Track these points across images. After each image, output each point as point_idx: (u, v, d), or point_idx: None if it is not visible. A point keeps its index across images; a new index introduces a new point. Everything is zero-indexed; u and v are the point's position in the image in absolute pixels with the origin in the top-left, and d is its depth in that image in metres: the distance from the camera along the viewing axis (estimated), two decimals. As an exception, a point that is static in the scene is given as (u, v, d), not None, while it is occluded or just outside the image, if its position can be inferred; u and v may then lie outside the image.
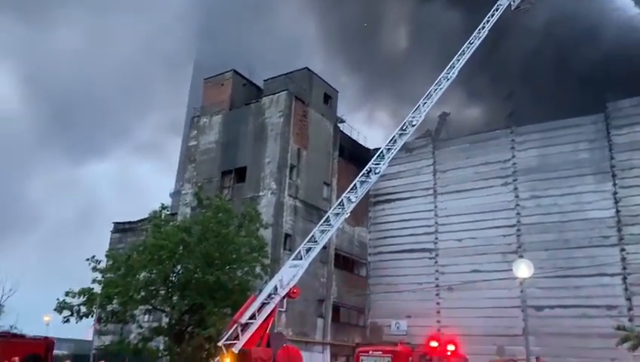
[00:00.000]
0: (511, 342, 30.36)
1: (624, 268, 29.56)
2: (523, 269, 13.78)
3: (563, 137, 33.79)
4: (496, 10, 25.84)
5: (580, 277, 30.01)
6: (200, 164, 36.24)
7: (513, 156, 35.16)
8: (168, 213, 30.64)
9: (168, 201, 40.54)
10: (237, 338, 19.11)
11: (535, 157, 34.34)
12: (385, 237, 39.06)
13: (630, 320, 27.10)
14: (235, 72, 37.88)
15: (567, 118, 33.78)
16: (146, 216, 31.49)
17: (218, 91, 37.52)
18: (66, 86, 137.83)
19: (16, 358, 23.18)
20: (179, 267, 26.53)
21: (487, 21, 25.58)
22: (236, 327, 19.34)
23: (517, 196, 34.26)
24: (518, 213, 33.90)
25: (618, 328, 19.00)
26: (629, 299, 29.05)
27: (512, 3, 26.98)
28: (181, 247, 25.96)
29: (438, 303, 34.95)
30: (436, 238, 36.61)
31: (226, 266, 26.42)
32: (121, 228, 44.36)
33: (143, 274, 26.64)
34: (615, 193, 31.04)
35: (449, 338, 16.88)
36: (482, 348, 28.98)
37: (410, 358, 16.20)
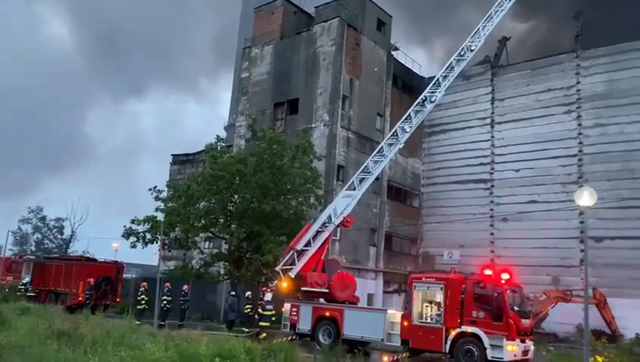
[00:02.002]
0: (566, 272, 30.07)
1: (693, 199, 28.10)
2: (586, 197, 13.30)
3: (634, 60, 31.38)
4: None
5: (645, 208, 28.83)
6: (253, 96, 36.39)
7: (578, 82, 33.17)
8: (224, 145, 31.39)
9: (223, 134, 41.32)
10: (293, 264, 19.94)
11: (602, 83, 32.25)
12: (439, 168, 38.58)
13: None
14: (285, -1, 37.00)
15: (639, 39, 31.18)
16: (202, 148, 32.48)
17: (268, 21, 36.91)
18: (113, 19, 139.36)
19: (91, 279, 25.35)
20: (236, 197, 27.55)
21: None
22: (292, 254, 20.14)
23: (580, 124, 32.64)
24: (580, 143, 32.42)
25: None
26: (694, 230, 27.81)
27: None
28: (237, 178, 26.81)
29: (492, 233, 34.73)
30: (492, 169, 35.82)
31: (281, 196, 27.20)
32: (180, 160, 45.90)
33: (202, 204, 27.90)
34: (689, 120, 29.00)
35: (503, 268, 16.83)
36: (537, 278, 28.88)
37: (464, 286, 16.32)
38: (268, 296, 20.21)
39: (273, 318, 20.03)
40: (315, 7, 36.26)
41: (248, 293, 22.83)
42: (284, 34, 36.00)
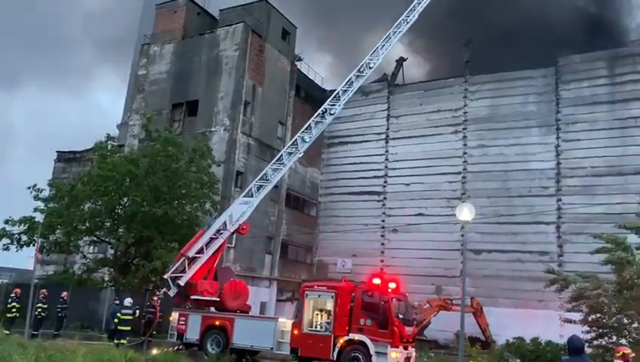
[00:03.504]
0: (449, 282, 31.99)
1: (559, 218, 31.26)
2: (465, 212, 14.35)
3: (514, 89, 34.49)
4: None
5: (518, 224, 31.57)
6: (149, 94, 34.94)
7: (465, 105, 35.73)
8: (115, 144, 29.79)
9: (116, 132, 39.13)
10: (184, 271, 19.30)
11: (486, 107, 35.05)
12: (336, 179, 39.55)
13: (559, 265, 28.97)
14: (189, -2, 36.09)
15: (521, 70, 34.37)
16: (92, 146, 30.53)
17: (171, 19, 35.76)
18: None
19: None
20: (125, 199, 26.15)
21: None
22: (183, 261, 19.49)
23: (465, 144, 35.13)
24: (464, 161, 34.89)
25: (547, 271, 20.25)
26: (560, 246, 30.93)
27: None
28: (128, 179, 25.54)
29: (382, 244, 36.16)
30: (385, 182, 37.39)
31: (174, 200, 26.29)
32: (65, 158, 42.81)
33: (87, 205, 26.18)
34: (557, 146, 32.30)
35: (391, 277, 17.57)
36: (422, 287, 30.50)
37: (353, 294, 16.78)
38: (127, 301, 19.27)
39: (130, 325, 19.06)
40: (220, 11, 35.79)
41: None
42: (187, 34, 35.05)
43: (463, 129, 35.43)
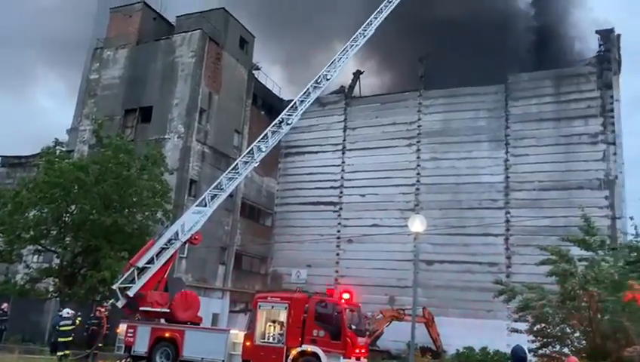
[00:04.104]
0: (402, 292, 32.39)
1: (507, 230, 32.27)
2: (417, 224, 14.63)
3: (466, 104, 35.53)
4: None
5: (469, 236, 32.37)
6: (101, 99, 34.00)
7: (419, 119, 36.50)
8: (64, 149, 28.80)
9: (65, 138, 37.85)
10: (133, 282, 18.76)
11: (439, 121, 35.91)
12: (293, 189, 39.50)
13: (507, 276, 29.87)
14: (145, 3, 35.44)
15: (473, 86, 35.45)
16: (39, 151, 29.40)
17: (126, 23, 35.00)
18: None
19: None
20: (73, 207, 25.25)
21: (407, -18, 25.80)
22: (132, 271, 18.95)
23: (419, 157, 35.84)
24: (418, 173, 35.56)
25: (496, 282, 20.83)
26: (508, 258, 31.89)
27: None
28: (76, 187, 24.69)
29: (338, 254, 36.29)
30: (341, 193, 37.63)
31: (125, 209, 25.58)
32: (10, 163, 40.97)
33: (33, 213, 25.13)
34: (506, 160, 33.43)
35: (345, 288, 17.66)
36: (375, 297, 30.77)
37: (306, 305, 16.75)
38: (65, 312, 18.63)
39: (71, 336, 18.50)
40: (177, 17, 35.31)
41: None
42: (142, 39, 34.39)
43: (417, 142, 36.15)
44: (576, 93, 32.75)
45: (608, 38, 32.68)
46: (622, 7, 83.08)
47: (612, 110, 31.55)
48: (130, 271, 18.99)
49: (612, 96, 31.68)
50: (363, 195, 36.60)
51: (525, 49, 39.84)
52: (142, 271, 18.95)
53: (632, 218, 18.58)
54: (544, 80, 34.05)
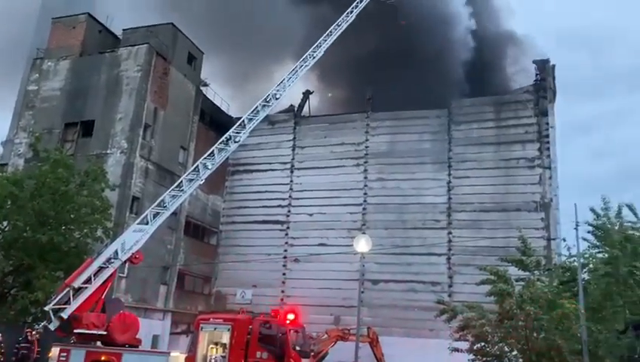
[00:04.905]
0: (347, 312, 32.37)
1: (449, 249, 33.09)
2: (362, 244, 14.78)
3: (411, 127, 36.48)
4: (365, -3, 26.83)
5: (413, 255, 32.97)
6: (40, 111, 32.65)
7: (367, 140, 37.12)
8: (-4, 162, 27.37)
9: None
10: (68, 302, 17.90)
11: (385, 143, 36.65)
12: (239, 207, 39.03)
13: (449, 295, 30.52)
14: (90, 15, 34.55)
15: (417, 109, 36.48)
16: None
17: (69, 34, 33.94)
18: None
19: None
20: (5, 223, 23.90)
21: (356, 6, 26.47)
22: (68, 291, 18.09)
23: (366, 177, 36.35)
24: (365, 193, 36.03)
25: (438, 302, 21.19)
26: (450, 277, 32.65)
27: (380, -7, 28.21)
28: (9, 202, 23.40)
29: (284, 274, 35.99)
30: (289, 211, 37.51)
31: (62, 226, 24.41)
32: (-64, 176, 38.48)
33: (-41, 229, 23.60)
34: (449, 182, 34.43)
35: (290, 308, 17.53)
36: (321, 317, 30.61)
37: (250, 326, 16.49)
38: None
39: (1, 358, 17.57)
40: (124, 30, 34.59)
41: None
42: (85, 51, 33.42)
43: (364, 162, 36.70)
44: (514, 119, 34.29)
45: (544, 68, 34.53)
46: (559, 41, 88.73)
47: (547, 136, 33.21)
48: (65, 292, 18.11)
49: (547, 123, 33.36)
50: (311, 214, 36.64)
51: (467, 76, 41.46)
52: (78, 291, 18.12)
53: (564, 239, 19.41)
54: (485, 106, 35.51)
